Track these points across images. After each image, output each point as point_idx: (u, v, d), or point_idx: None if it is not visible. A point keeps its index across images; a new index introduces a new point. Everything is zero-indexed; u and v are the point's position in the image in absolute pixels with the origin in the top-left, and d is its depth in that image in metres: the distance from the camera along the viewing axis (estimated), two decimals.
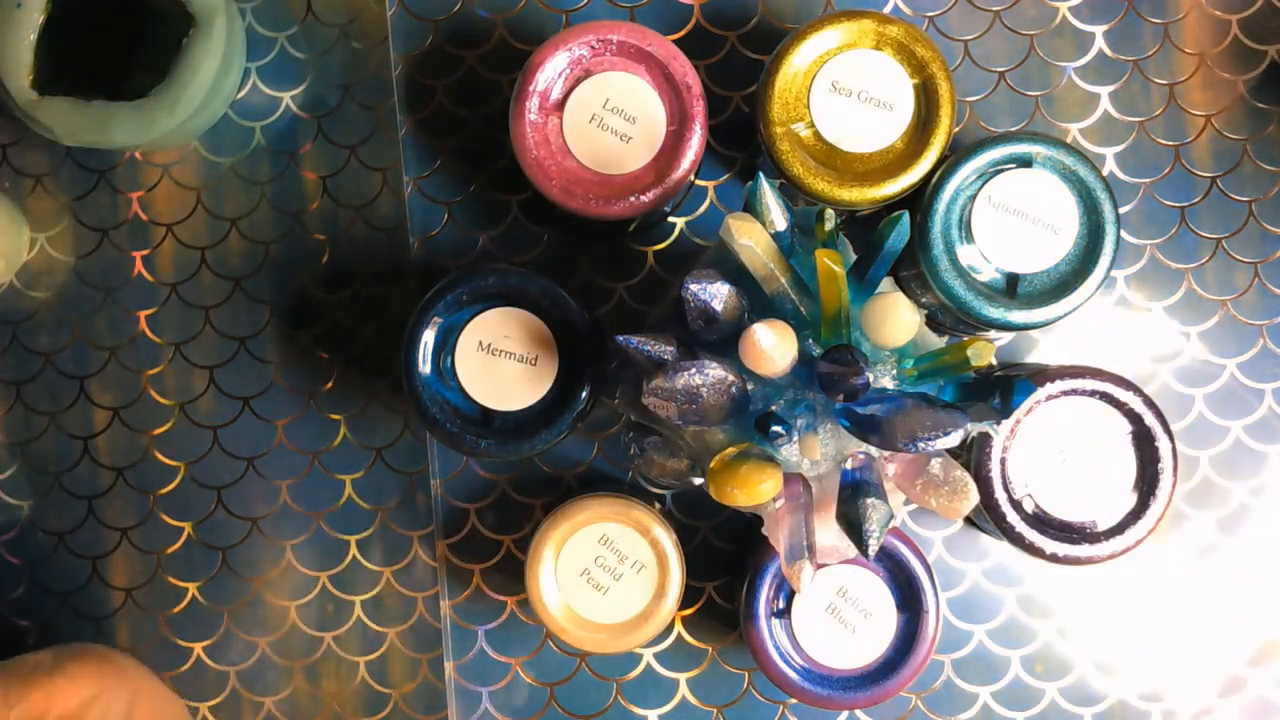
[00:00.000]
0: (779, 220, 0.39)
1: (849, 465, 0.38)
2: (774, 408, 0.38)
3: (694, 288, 0.38)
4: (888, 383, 0.39)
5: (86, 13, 0.48)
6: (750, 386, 0.38)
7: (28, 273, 0.53)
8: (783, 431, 0.37)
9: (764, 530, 0.41)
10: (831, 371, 0.36)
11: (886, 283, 0.41)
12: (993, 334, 0.50)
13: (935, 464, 0.38)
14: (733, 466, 0.36)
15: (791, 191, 0.46)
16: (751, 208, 0.39)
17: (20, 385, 0.53)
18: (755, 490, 0.36)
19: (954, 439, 0.34)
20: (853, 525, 0.36)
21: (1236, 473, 0.51)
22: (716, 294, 0.38)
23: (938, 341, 0.40)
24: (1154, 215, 0.52)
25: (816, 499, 0.39)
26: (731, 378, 0.37)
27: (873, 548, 0.35)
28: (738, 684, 0.52)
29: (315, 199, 0.53)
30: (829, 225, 0.39)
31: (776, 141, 0.45)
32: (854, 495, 0.36)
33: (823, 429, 0.38)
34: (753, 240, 0.37)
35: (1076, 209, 0.45)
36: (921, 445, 0.34)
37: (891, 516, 0.36)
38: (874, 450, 0.38)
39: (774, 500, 0.38)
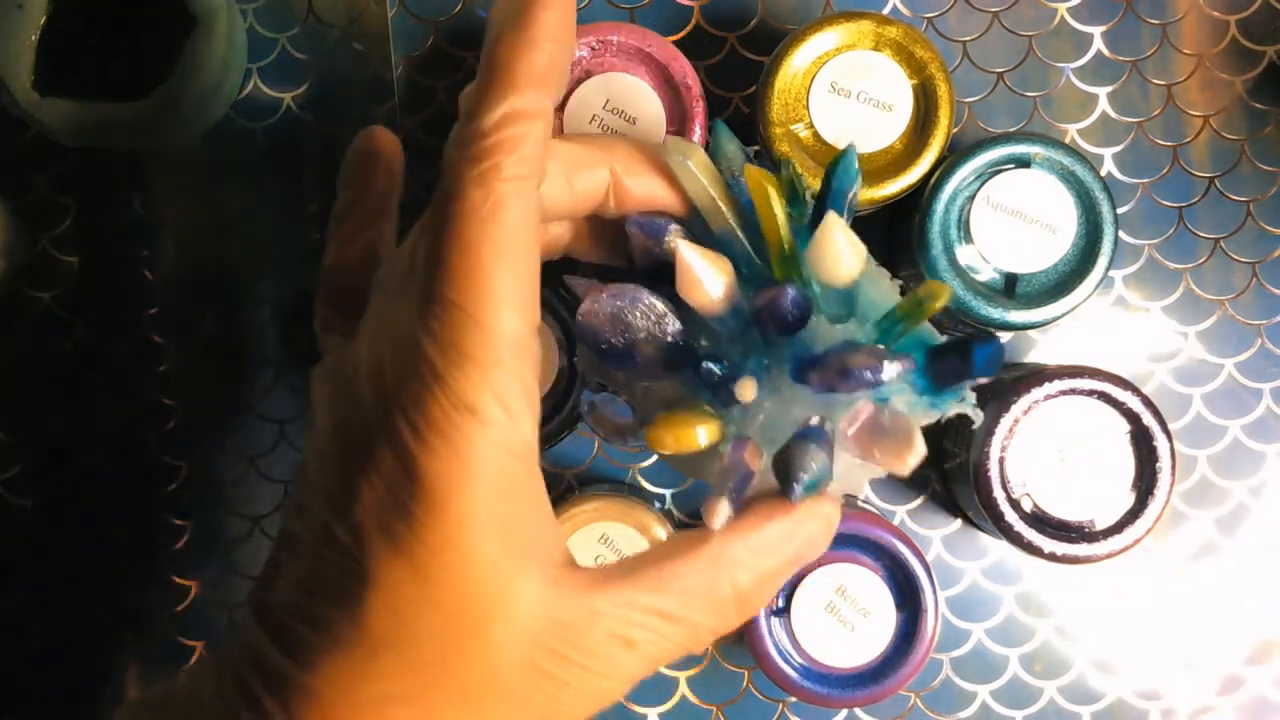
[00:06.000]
0: (738, 168, 0.38)
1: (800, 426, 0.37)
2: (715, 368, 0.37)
3: (639, 220, 0.37)
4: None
5: (87, 13, 0.48)
6: (704, 344, 0.37)
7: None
8: (716, 370, 0.36)
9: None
10: (762, 303, 0.35)
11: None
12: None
13: (884, 415, 0.37)
14: (671, 416, 0.36)
15: None
16: (712, 158, 0.39)
17: None
18: (687, 432, 0.35)
19: (886, 373, 0.33)
20: (786, 468, 0.34)
21: (1235, 472, 0.52)
22: (661, 228, 0.37)
23: (888, 280, 0.39)
24: (1152, 215, 0.52)
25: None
26: (661, 306, 0.36)
27: (797, 491, 0.34)
28: (737, 682, 0.52)
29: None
30: (786, 173, 0.38)
31: (776, 142, 0.45)
32: (798, 441, 0.35)
33: (773, 398, 0.37)
34: (689, 157, 0.36)
35: (1075, 209, 0.45)
36: (853, 379, 0.33)
37: (830, 471, 0.35)
38: (827, 420, 0.37)
39: (717, 451, 0.37)
